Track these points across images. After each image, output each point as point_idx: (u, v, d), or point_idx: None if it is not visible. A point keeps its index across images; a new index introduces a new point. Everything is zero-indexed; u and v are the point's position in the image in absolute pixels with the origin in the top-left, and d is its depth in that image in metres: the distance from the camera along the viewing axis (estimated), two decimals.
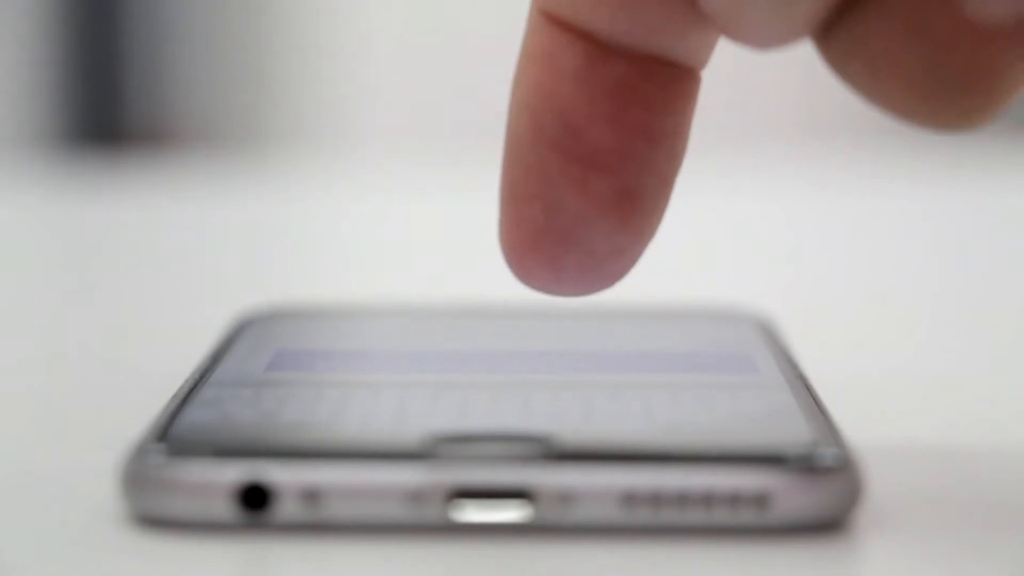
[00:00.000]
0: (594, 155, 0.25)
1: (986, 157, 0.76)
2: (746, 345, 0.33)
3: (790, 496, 0.25)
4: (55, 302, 0.50)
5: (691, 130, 0.25)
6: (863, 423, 0.29)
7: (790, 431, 0.27)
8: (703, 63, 0.25)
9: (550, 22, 0.25)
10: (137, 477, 0.25)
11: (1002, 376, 0.38)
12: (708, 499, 0.25)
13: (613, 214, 0.25)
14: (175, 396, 0.28)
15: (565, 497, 0.25)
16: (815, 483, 0.25)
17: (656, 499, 0.25)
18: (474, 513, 0.25)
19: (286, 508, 0.25)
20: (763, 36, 0.23)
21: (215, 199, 0.71)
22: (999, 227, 0.63)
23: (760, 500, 0.25)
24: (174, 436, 0.26)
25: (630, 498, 0.25)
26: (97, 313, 0.47)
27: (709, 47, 0.25)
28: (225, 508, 0.25)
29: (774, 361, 0.32)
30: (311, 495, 0.25)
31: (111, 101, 1.65)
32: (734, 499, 0.25)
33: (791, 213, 0.68)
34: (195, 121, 1.71)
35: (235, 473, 0.25)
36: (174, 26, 1.70)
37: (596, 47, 0.24)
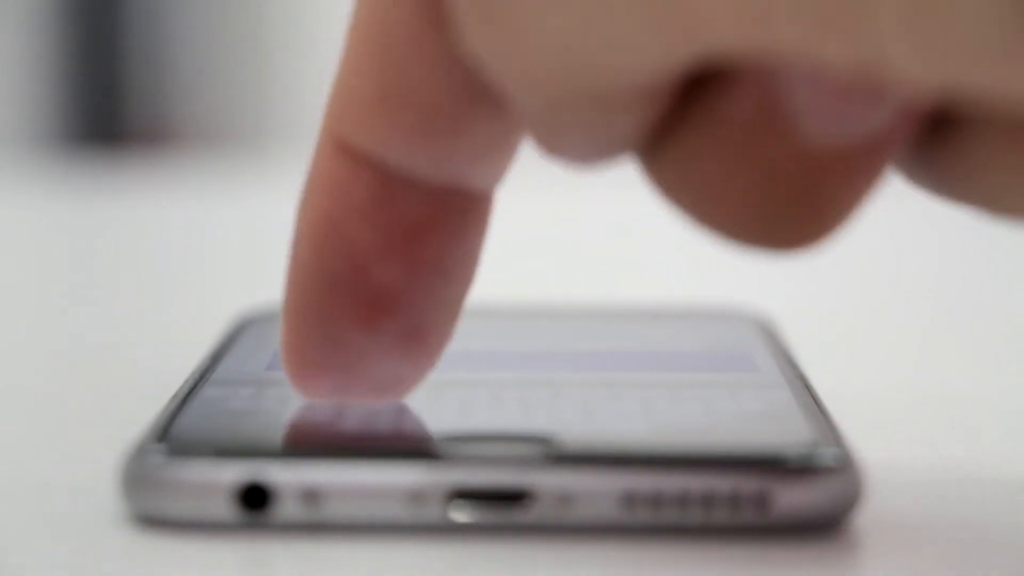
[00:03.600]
0: (381, 296, 0.24)
1: None
2: (746, 345, 0.33)
3: (790, 496, 0.25)
4: (55, 302, 0.50)
5: (481, 254, 0.25)
6: (863, 423, 0.29)
7: (790, 431, 0.27)
8: (497, 185, 0.24)
9: (340, 150, 0.23)
10: (137, 477, 0.25)
11: (1003, 378, 0.38)
12: (708, 499, 0.25)
13: (399, 351, 0.24)
14: (175, 396, 0.28)
15: (565, 497, 0.25)
16: (815, 483, 0.25)
17: (656, 499, 0.25)
18: (474, 513, 0.25)
19: (286, 508, 0.25)
20: (578, 156, 0.22)
21: (215, 199, 0.71)
22: (1003, 230, 0.63)
23: (760, 500, 0.25)
24: (174, 436, 0.26)
25: (630, 498, 0.25)
26: (97, 313, 0.47)
27: (504, 169, 0.24)
28: (225, 508, 0.25)
29: (774, 361, 0.32)
30: (311, 495, 0.25)
31: (111, 101, 1.65)
32: (734, 499, 0.25)
33: None
34: (195, 121, 1.71)
35: (235, 473, 0.25)
36: (174, 26, 1.70)
37: (388, 180, 0.23)
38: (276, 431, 0.27)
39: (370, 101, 0.23)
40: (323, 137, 0.24)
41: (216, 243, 0.61)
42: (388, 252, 0.24)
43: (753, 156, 0.21)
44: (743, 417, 0.28)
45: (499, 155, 0.24)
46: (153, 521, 0.25)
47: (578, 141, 0.22)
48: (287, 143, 1.65)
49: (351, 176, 0.23)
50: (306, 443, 0.26)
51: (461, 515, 0.25)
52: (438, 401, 0.28)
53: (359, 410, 0.28)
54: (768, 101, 0.21)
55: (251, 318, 0.36)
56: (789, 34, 0.19)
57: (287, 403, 0.28)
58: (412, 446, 0.26)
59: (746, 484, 0.25)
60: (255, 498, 0.25)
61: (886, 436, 0.31)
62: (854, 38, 0.18)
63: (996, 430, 0.33)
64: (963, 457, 0.30)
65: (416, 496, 0.25)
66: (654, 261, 0.56)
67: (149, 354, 0.39)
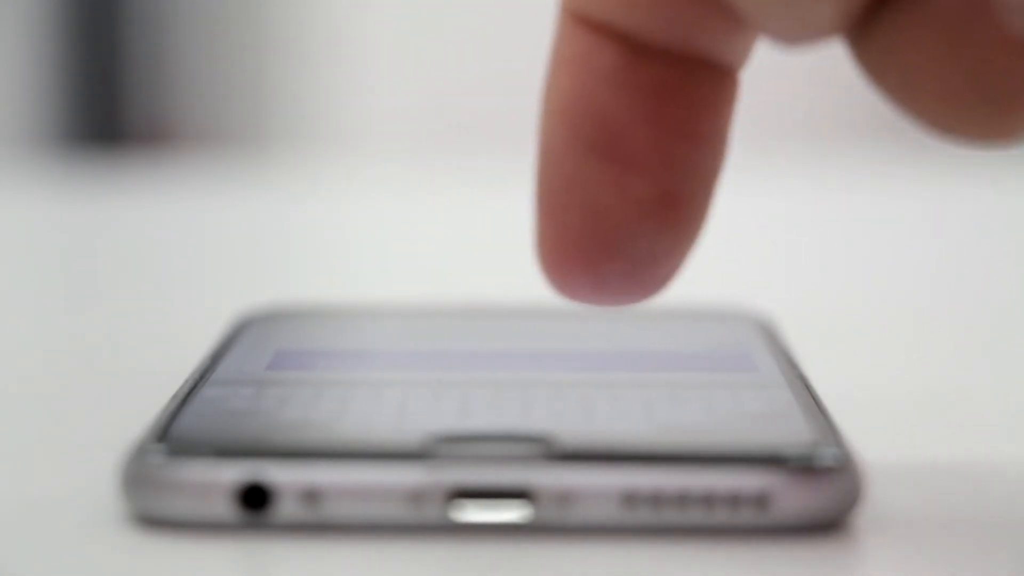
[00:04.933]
0: (634, 158, 0.24)
1: (987, 157, 0.76)
2: (746, 345, 0.33)
3: (790, 496, 0.25)
4: (55, 302, 0.50)
5: (731, 134, 0.25)
6: (863, 423, 0.29)
7: (790, 431, 0.27)
8: (741, 64, 0.24)
9: (581, 25, 0.24)
10: (137, 477, 0.25)
11: (1002, 377, 0.38)
12: (708, 499, 0.25)
13: (654, 218, 0.24)
14: (175, 396, 0.29)
15: (565, 497, 0.25)
16: (815, 483, 0.25)
17: (656, 499, 0.25)
18: (474, 513, 0.25)
19: (286, 508, 0.25)
20: (787, 34, 0.22)
21: (215, 199, 0.71)
22: (1001, 228, 0.63)
23: (760, 500, 0.25)
24: (174, 436, 0.26)
25: (630, 498, 0.25)
26: (97, 313, 0.47)
27: (746, 47, 0.24)
28: (225, 508, 0.25)
29: (774, 361, 0.32)
30: (311, 495, 0.25)
31: (111, 101, 1.65)
32: (734, 499, 0.25)
33: (791, 213, 0.68)
34: (195, 121, 1.71)
35: (235, 473, 0.25)
36: (174, 26, 1.70)
37: (631, 48, 0.24)
38: (276, 431, 0.27)
39: None
40: (562, 16, 0.24)
41: (216, 243, 0.61)
42: (637, 116, 0.24)
43: (958, 44, 0.21)
44: (743, 417, 0.28)
45: (737, 28, 0.24)
46: (153, 521, 0.25)
47: (783, 24, 0.22)
48: (287, 143, 1.65)
49: (595, 47, 0.24)
50: (306, 443, 0.26)
51: (461, 515, 0.25)
52: (438, 401, 0.28)
53: (359, 409, 0.28)
54: None
55: (251, 318, 0.36)
56: None
57: (287, 403, 0.28)
58: (412, 446, 0.26)
59: (746, 484, 0.25)
60: (255, 498, 0.25)
61: (886, 436, 0.31)
62: None
63: (996, 430, 0.33)
64: (963, 456, 0.30)
65: (416, 496, 0.25)
66: None
67: (149, 354, 0.39)
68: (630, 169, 0.24)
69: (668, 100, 0.24)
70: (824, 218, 0.67)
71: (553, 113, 0.24)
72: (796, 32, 0.22)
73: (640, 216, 0.24)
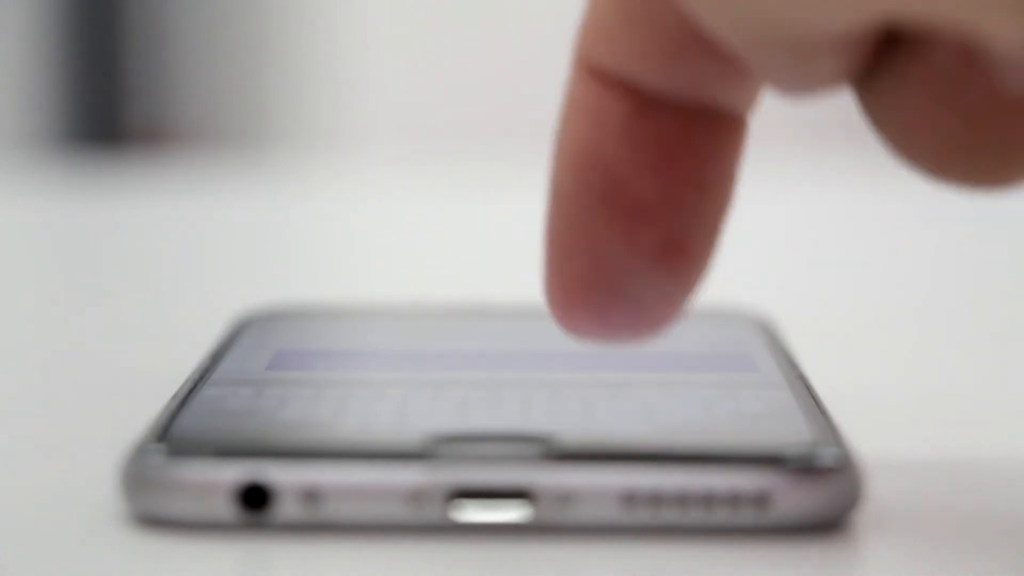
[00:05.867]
0: (640, 208, 0.24)
1: None
2: (746, 345, 0.33)
3: (790, 496, 0.25)
4: (55, 302, 0.50)
5: (738, 178, 0.25)
6: (863, 423, 0.29)
7: (790, 431, 0.27)
8: (749, 110, 0.25)
9: (592, 76, 0.24)
10: (137, 477, 0.25)
11: (1003, 378, 0.38)
12: (708, 499, 0.25)
13: (660, 265, 0.25)
14: (175, 396, 0.29)
15: (565, 497, 0.25)
16: (815, 483, 0.25)
17: (656, 499, 0.25)
18: (474, 513, 0.25)
19: (286, 508, 0.25)
20: (792, 85, 0.23)
21: (215, 199, 0.71)
22: (1000, 228, 0.63)
23: (760, 500, 0.25)
24: (174, 436, 0.26)
25: (630, 498, 0.25)
26: (97, 313, 0.47)
27: (754, 95, 0.25)
28: (225, 508, 0.25)
29: (774, 361, 0.32)
30: (311, 495, 0.25)
31: (111, 101, 1.65)
32: (734, 499, 0.25)
33: (791, 213, 0.68)
34: (195, 121, 1.71)
35: (235, 473, 0.25)
36: (174, 26, 1.70)
37: (641, 100, 0.24)
38: (276, 431, 0.27)
39: (618, 26, 0.24)
40: (576, 66, 0.25)
41: (216, 243, 0.61)
42: (644, 168, 0.24)
43: (952, 99, 0.22)
44: (743, 417, 0.28)
45: (745, 79, 0.24)
46: (153, 521, 0.25)
47: (788, 77, 0.23)
48: (287, 143, 1.65)
49: (606, 100, 0.24)
50: (306, 443, 0.26)
51: (461, 515, 0.25)
52: (438, 401, 0.28)
53: (359, 409, 0.28)
54: (968, 50, 0.21)
55: (251, 318, 0.36)
56: (955, 9, 0.20)
57: (287, 403, 0.28)
58: (412, 446, 0.26)
59: (746, 484, 0.25)
60: (255, 498, 0.25)
61: (886, 436, 0.31)
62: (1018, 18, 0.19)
63: (996, 429, 0.33)
64: (963, 456, 0.30)
65: (416, 496, 0.25)
66: None
67: (149, 354, 0.39)
68: (637, 219, 0.24)
69: (676, 151, 0.24)
70: (824, 219, 0.67)
71: (563, 161, 0.25)
72: (801, 84, 0.23)
73: (646, 264, 0.25)
